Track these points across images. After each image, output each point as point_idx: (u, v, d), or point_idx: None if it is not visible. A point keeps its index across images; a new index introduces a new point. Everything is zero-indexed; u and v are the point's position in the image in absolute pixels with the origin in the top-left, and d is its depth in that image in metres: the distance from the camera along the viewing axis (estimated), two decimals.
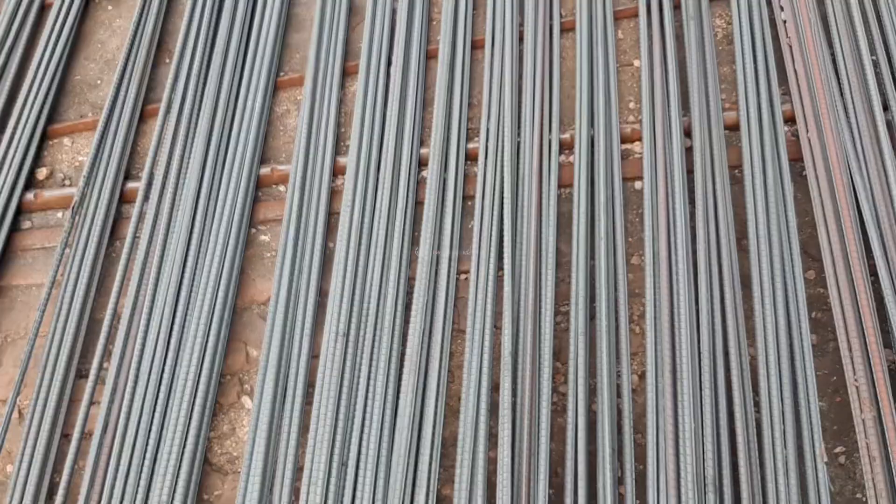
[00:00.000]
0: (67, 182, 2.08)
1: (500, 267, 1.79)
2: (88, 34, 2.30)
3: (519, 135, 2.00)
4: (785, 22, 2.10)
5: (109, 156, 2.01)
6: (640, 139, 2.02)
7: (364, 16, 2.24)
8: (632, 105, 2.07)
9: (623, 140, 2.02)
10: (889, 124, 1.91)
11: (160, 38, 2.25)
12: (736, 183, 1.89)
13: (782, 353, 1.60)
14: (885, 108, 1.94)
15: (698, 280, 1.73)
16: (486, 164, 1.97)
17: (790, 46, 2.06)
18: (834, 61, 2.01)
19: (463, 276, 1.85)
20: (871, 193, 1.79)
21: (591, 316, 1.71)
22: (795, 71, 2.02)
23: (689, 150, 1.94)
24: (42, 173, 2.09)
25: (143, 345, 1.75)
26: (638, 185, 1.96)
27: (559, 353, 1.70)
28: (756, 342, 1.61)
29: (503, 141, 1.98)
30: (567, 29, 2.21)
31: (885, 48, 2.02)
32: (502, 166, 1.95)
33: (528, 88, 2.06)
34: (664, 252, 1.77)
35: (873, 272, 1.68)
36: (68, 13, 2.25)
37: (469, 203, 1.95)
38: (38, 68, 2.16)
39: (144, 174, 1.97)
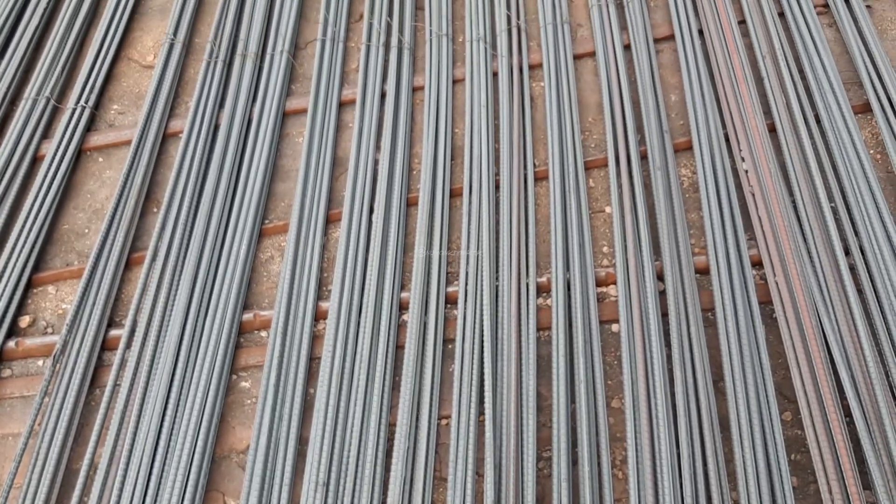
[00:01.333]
0: (50, 330, 2.18)
1: (481, 412, 1.88)
2: (78, 184, 2.49)
3: (497, 279, 2.16)
4: (746, 171, 2.34)
5: (94, 303, 2.13)
6: (614, 282, 2.18)
7: (347, 166, 2.46)
8: (605, 249, 2.25)
9: (598, 283, 2.19)
10: (851, 268, 2.11)
11: (149, 189, 2.44)
12: (709, 326, 2.04)
13: (764, 497, 1.68)
14: (847, 252, 2.15)
15: (678, 423, 1.83)
16: (465, 308, 2.11)
17: (753, 194, 2.29)
18: (795, 208, 2.23)
19: (444, 422, 1.93)
20: (839, 335, 1.93)
21: (574, 461, 1.79)
22: (759, 217, 2.23)
23: (662, 294, 2.10)
24: (25, 321, 2.19)
25: (119, 497, 1.79)
26: (615, 327, 2.10)
27: (542, 501, 1.76)
28: (738, 486, 1.69)
29: (482, 285, 2.14)
30: (541, 178, 2.44)
31: (843, 195, 2.25)
32: (481, 310, 2.09)
33: (505, 234, 2.25)
34: (643, 395, 1.88)
35: (848, 412, 1.79)
36: (60, 165, 2.46)
37: (449, 346, 2.07)
38: (26, 218, 2.32)
39: (128, 322, 2.09)
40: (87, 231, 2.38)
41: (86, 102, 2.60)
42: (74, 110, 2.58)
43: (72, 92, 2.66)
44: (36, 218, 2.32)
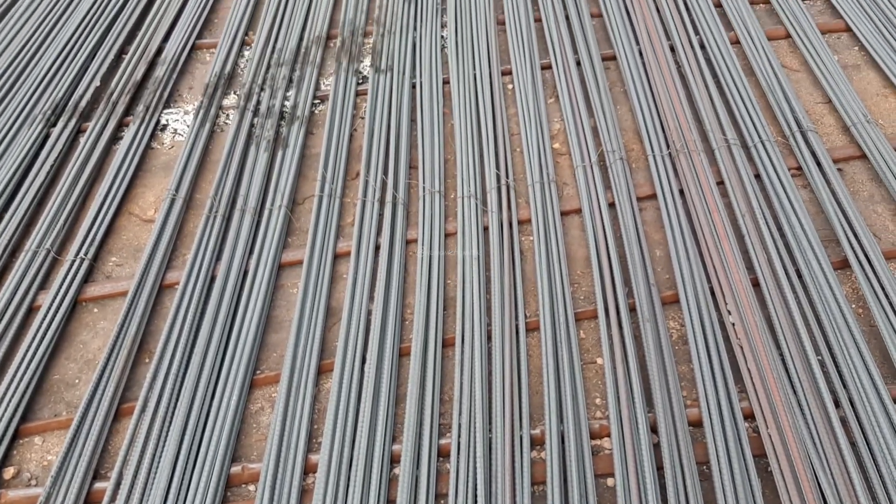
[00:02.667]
0: (34, 482, 2.20)
1: None
2: (72, 335, 2.60)
3: (490, 430, 2.24)
4: (733, 324, 2.49)
5: (80, 455, 2.17)
6: (608, 435, 2.26)
7: (340, 316, 2.59)
8: (598, 401, 2.35)
9: (592, 436, 2.27)
10: (843, 421, 2.21)
11: (142, 339, 2.55)
12: (705, 479, 2.10)
13: None
14: (837, 405, 2.26)
15: None
16: (458, 461, 2.17)
17: (741, 347, 2.43)
18: (783, 361, 2.36)
19: None
20: (835, 489, 2.01)
21: None
22: (749, 370, 2.35)
23: (656, 447, 2.18)
24: (9, 472, 2.22)
25: None
26: (610, 481, 2.16)
27: None
28: None
29: (475, 437, 2.21)
30: (532, 328, 2.57)
31: (829, 349, 2.39)
32: (475, 463, 2.15)
33: (497, 385, 2.35)
34: None
35: None
36: (55, 316, 2.58)
37: (442, 502, 2.11)
38: (17, 368, 2.41)
39: (114, 474, 2.12)
40: (77, 381, 2.46)
41: (85, 254, 2.77)
42: (73, 262, 2.75)
43: (72, 244, 2.83)
44: (27, 369, 2.41)
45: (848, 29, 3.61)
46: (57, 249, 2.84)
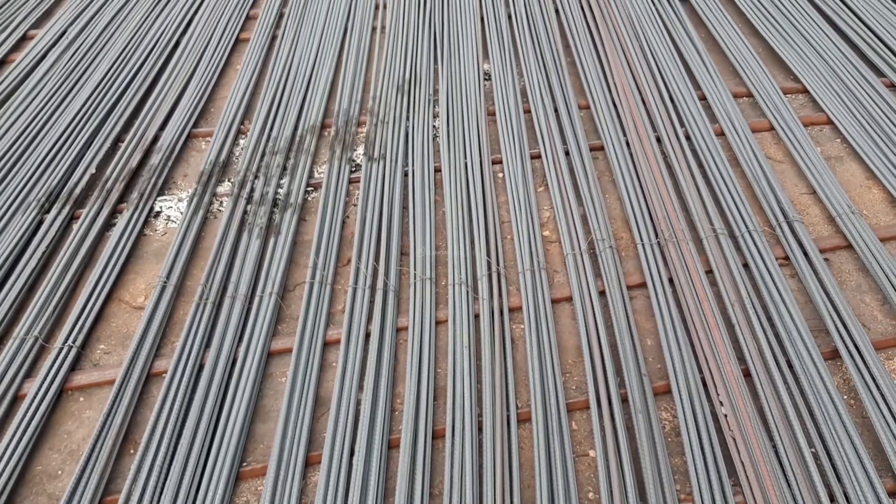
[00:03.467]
0: None
1: None
2: (56, 424, 2.60)
3: None
4: (726, 416, 2.52)
5: None
6: None
7: (329, 406, 2.61)
8: (591, 496, 2.35)
9: None
10: None
11: (127, 429, 2.56)
12: None
13: None
14: (832, 499, 2.26)
15: None
16: None
17: (734, 439, 2.44)
18: (777, 453, 2.38)
19: None
20: None
21: None
22: (742, 462, 2.37)
23: None
24: None
25: None
26: None
27: None
28: None
29: None
30: (523, 419, 2.59)
31: (822, 441, 2.41)
32: None
33: (488, 479, 2.35)
34: None
35: None
36: (40, 405, 2.58)
37: None
38: None
39: None
40: (60, 473, 2.45)
41: (73, 342, 2.80)
42: (61, 350, 2.77)
43: (60, 331, 2.86)
44: (9, 459, 2.40)
45: (830, 122, 3.77)
46: (45, 337, 2.86)
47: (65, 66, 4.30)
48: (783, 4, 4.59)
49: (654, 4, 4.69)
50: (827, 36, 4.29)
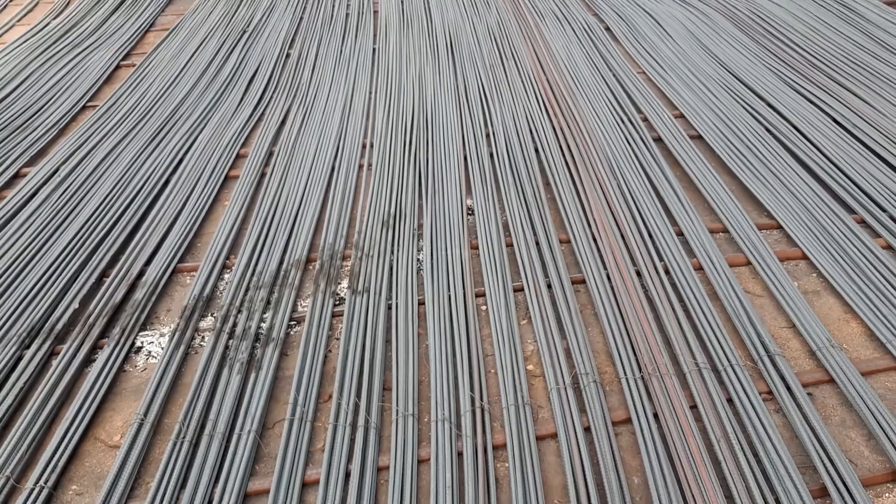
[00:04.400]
0: None
1: None
2: None
3: None
4: None
5: None
6: None
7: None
8: None
9: None
10: None
11: None
12: None
13: None
14: None
15: None
16: None
17: None
18: None
19: None
20: None
21: None
22: None
23: None
24: None
25: None
26: None
27: None
28: None
29: None
30: None
31: None
32: None
33: None
34: None
35: None
36: None
37: None
38: None
39: None
40: None
41: (45, 482, 2.75)
42: (32, 490, 2.72)
43: (33, 471, 2.81)
44: None
45: (805, 257, 3.91)
46: (17, 476, 2.82)
47: (55, 203, 4.43)
48: (753, 145, 4.86)
49: (629, 144, 4.95)
50: (797, 174, 4.52)
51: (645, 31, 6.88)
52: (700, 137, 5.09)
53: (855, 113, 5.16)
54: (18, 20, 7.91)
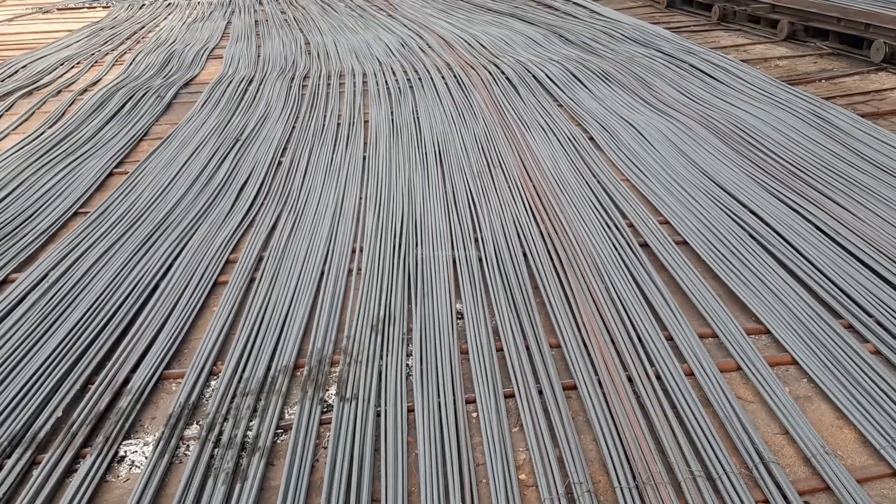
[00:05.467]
0: None
1: None
2: None
3: None
4: None
5: None
6: None
7: None
8: None
9: None
10: None
11: None
12: None
13: None
14: None
15: None
16: None
17: None
18: None
19: None
20: None
21: None
22: None
23: None
24: None
25: None
26: None
27: None
28: None
29: None
30: None
31: None
32: None
33: None
34: None
35: None
36: None
37: None
38: None
39: None
40: None
41: None
42: None
43: None
44: None
45: (794, 362, 3.95)
46: None
47: (42, 309, 4.45)
48: (738, 251, 4.99)
49: (616, 249, 5.06)
50: (783, 279, 4.62)
51: (627, 140, 7.15)
52: (685, 243, 5.22)
53: (836, 220, 5.33)
54: (13, 129, 8.13)
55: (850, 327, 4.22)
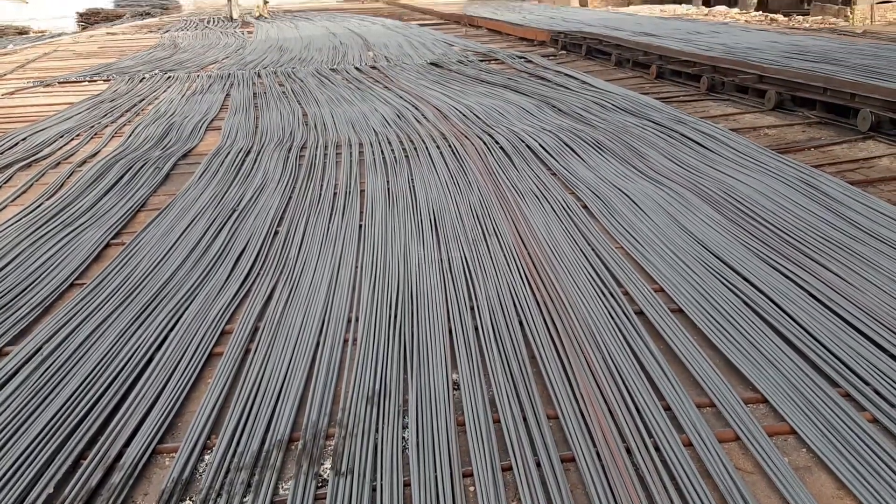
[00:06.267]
0: None
1: None
2: None
3: None
4: None
5: None
6: None
7: None
8: None
9: None
10: None
11: None
12: None
13: None
14: None
15: None
16: None
17: None
18: None
19: None
20: None
21: None
22: None
23: None
24: None
25: None
26: None
27: None
28: None
29: None
30: None
31: None
32: None
33: None
34: None
35: None
36: None
37: None
38: None
39: None
40: None
41: None
42: None
43: None
44: None
45: (793, 431, 3.93)
46: None
47: (35, 382, 4.42)
48: (734, 318, 5.01)
49: (612, 317, 5.08)
50: (778, 347, 4.63)
51: (621, 208, 7.25)
52: (681, 311, 5.24)
53: (830, 287, 5.36)
54: (12, 201, 8.21)
55: (847, 396, 4.21)
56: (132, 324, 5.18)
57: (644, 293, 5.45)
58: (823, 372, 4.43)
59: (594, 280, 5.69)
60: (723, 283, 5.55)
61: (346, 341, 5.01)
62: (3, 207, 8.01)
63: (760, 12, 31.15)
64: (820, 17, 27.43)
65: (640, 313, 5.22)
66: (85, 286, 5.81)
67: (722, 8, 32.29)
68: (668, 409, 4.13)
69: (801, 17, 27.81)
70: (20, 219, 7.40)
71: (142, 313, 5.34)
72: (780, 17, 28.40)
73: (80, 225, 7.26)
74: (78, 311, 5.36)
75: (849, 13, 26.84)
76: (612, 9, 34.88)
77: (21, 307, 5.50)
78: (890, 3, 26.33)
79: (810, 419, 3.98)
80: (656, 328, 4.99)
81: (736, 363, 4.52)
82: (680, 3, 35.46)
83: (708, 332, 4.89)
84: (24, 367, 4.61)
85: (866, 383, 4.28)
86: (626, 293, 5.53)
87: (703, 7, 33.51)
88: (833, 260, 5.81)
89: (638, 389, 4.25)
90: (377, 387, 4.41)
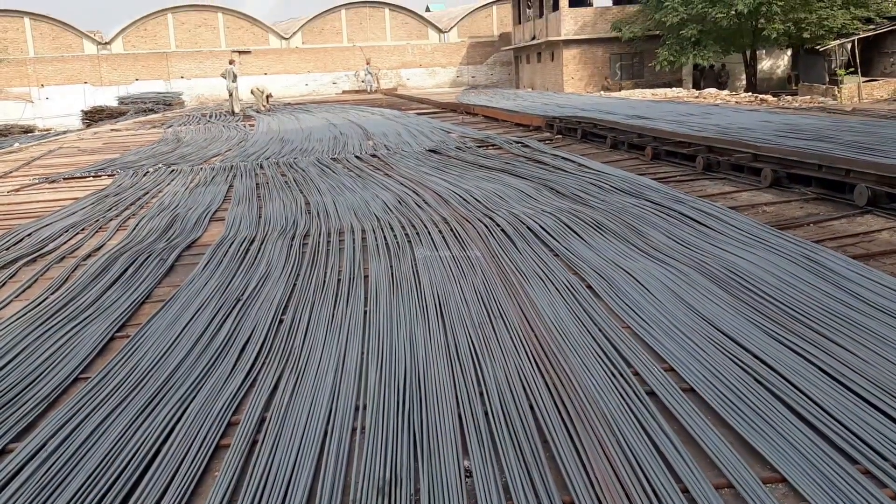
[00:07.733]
0: None
1: None
2: None
3: None
4: None
5: None
6: None
7: None
8: None
9: None
10: None
11: None
12: None
13: None
14: None
15: None
16: None
17: None
18: None
19: None
20: None
21: None
22: None
23: None
24: None
25: None
26: None
27: None
28: None
29: None
30: None
31: None
32: None
33: None
34: None
35: None
36: None
37: None
38: None
39: None
40: None
41: None
42: None
43: None
44: None
45: None
46: None
47: (39, 480, 4.35)
48: (746, 396, 4.96)
49: (623, 399, 5.03)
50: (793, 425, 4.57)
51: (625, 287, 7.27)
52: (692, 390, 5.20)
53: (840, 361, 5.34)
54: (17, 296, 8.24)
55: (867, 473, 4.13)
56: (137, 417, 5.12)
57: (654, 373, 5.42)
58: (841, 449, 4.36)
59: (603, 361, 5.66)
60: (732, 360, 5.53)
61: (354, 429, 4.95)
62: (8, 303, 8.03)
63: (750, 93, 32.01)
64: (808, 97, 28.20)
65: (651, 394, 5.17)
66: (89, 380, 5.77)
67: (712, 90, 33.24)
68: (685, 491, 4.04)
69: (789, 97, 28.58)
70: (24, 314, 7.41)
71: (147, 406, 5.29)
72: (769, 97, 29.19)
73: (85, 319, 7.26)
74: (82, 406, 5.31)
75: (836, 92, 27.59)
76: (603, 94, 35.86)
77: (25, 403, 5.45)
78: (876, 81, 27.12)
79: (831, 497, 3.89)
80: (669, 408, 4.94)
81: (752, 442, 4.45)
82: (671, 87, 36.50)
83: (721, 410, 4.84)
84: (28, 465, 4.53)
85: (885, 459, 4.21)
86: (636, 373, 5.49)
87: (694, 90, 34.47)
88: (841, 334, 5.80)
89: (654, 472, 4.17)
90: (388, 476, 4.33)
